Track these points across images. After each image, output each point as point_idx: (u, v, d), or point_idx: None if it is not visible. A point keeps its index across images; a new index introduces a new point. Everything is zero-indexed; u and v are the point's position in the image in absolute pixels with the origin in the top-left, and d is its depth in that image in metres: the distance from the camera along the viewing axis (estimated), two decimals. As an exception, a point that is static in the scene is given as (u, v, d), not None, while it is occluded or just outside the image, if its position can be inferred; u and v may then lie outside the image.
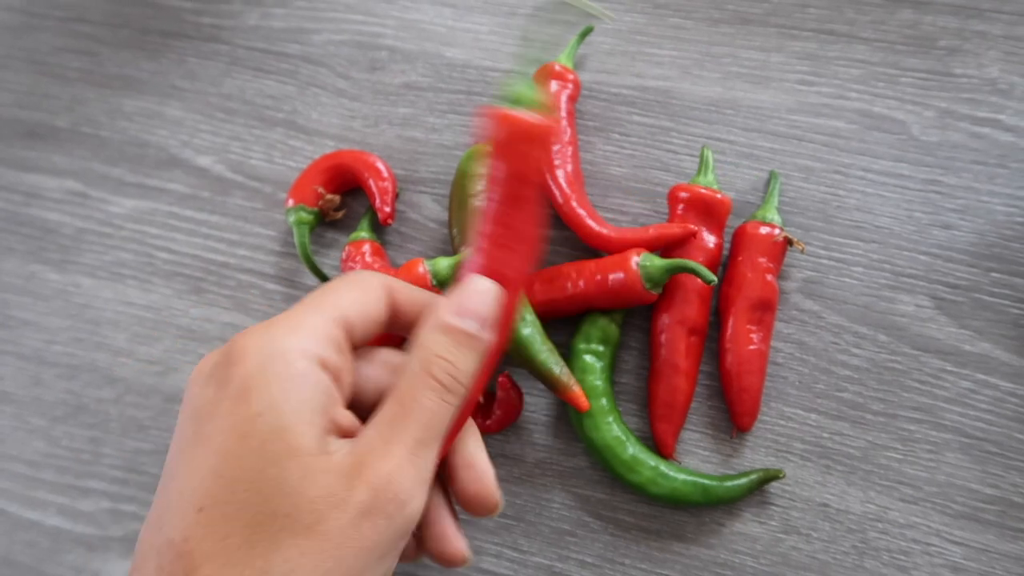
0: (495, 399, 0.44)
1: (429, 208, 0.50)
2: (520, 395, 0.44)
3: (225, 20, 0.56)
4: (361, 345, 0.31)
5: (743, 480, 0.42)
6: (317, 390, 0.27)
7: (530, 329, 0.41)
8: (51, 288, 0.52)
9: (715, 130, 0.49)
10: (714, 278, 0.40)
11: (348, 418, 0.28)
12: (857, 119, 0.48)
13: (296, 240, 0.48)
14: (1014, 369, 0.43)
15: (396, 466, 0.27)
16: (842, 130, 0.48)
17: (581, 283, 0.42)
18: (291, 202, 0.49)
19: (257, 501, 0.25)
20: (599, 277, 0.42)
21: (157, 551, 0.26)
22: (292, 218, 0.48)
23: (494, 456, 0.45)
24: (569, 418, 0.44)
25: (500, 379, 0.44)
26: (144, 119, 0.55)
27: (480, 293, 0.30)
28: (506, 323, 0.32)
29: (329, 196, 0.49)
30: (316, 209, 0.49)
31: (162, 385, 0.49)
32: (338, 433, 0.28)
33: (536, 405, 0.46)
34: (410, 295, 0.32)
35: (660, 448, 0.43)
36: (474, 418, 0.43)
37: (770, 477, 0.42)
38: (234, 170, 0.53)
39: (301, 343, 0.27)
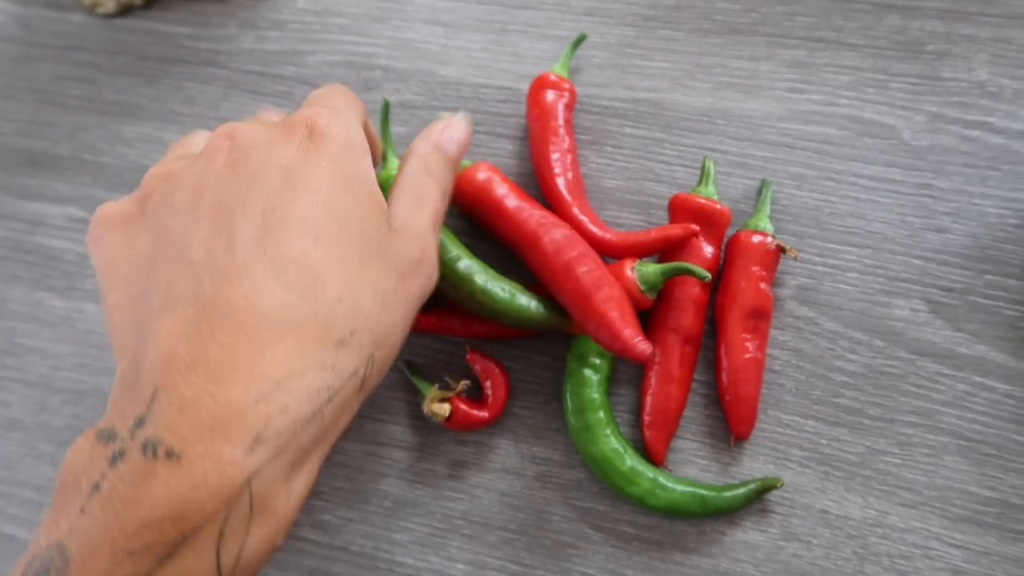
0: (479, 383, 0.45)
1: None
2: (496, 362, 0.46)
3: (221, 44, 0.57)
4: None
5: (741, 490, 0.42)
6: (374, 177, 0.35)
7: (467, 262, 0.43)
8: (56, 315, 0.53)
9: (707, 140, 0.49)
10: (708, 275, 0.41)
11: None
12: (848, 125, 0.48)
13: None
14: (1010, 371, 0.43)
15: (429, 241, 0.36)
16: (833, 137, 0.48)
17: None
18: None
19: (363, 238, 0.32)
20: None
21: (276, 272, 0.30)
22: None
23: (494, 470, 0.45)
24: (568, 431, 0.45)
25: (468, 356, 0.46)
26: (144, 144, 0.56)
27: (455, 123, 0.41)
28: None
29: None
30: None
31: (167, 407, 0.50)
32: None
33: (534, 419, 0.46)
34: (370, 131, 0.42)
35: (651, 456, 0.44)
36: (471, 410, 0.45)
37: (768, 487, 0.42)
38: (233, 193, 0.53)
39: (361, 136, 0.35)
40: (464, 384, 0.44)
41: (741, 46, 0.51)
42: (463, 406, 0.44)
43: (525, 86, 0.52)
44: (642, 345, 0.39)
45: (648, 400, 0.44)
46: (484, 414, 0.45)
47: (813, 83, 0.49)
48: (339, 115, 0.35)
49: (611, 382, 0.46)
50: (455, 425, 0.44)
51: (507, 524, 0.45)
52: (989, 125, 0.47)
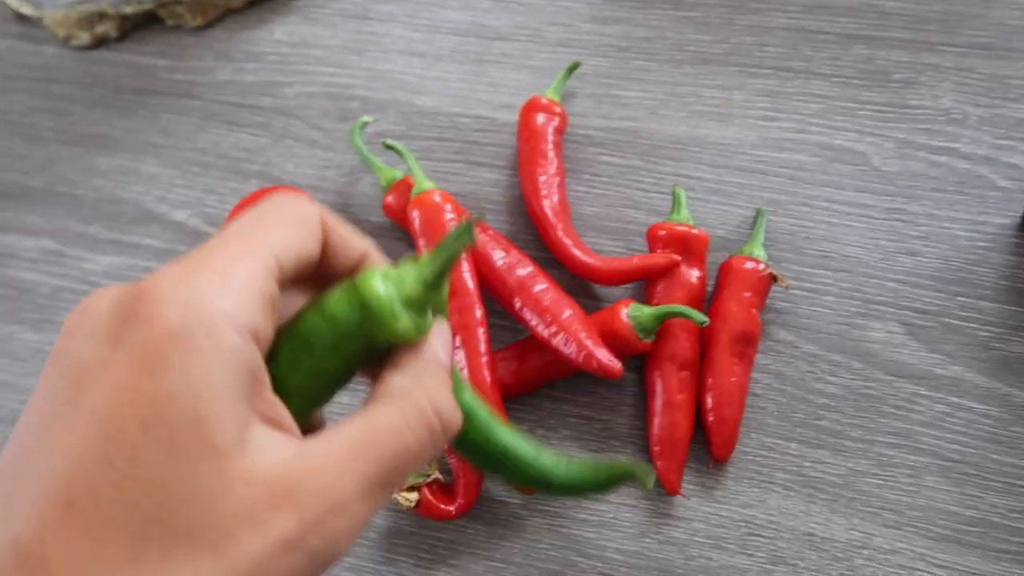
0: (453, 474, 0.43)
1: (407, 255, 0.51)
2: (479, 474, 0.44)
3: (198, 76, 0.57)
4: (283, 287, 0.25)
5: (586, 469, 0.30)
6: (245, 371, 0.21)
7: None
8: (28, 349, 0.52)
9: (683, 167, 0.50)
10: (706, 319, 0.41)
11: (275, 406, 0.23)
12: (819, 152, 0.49)
13: None
14: (986, 391, 0.44)
15: (342, 503, 0.21)
16: (805, 163, 0.49)
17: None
18: None
19: (151, 506, 0.19)
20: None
21: None
22: None
23: (482, 501, 0.45)
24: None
25: (446, 448, 0.43)
26: (119, 176, 0.55)
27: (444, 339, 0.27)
28: None
29: None
30: None
31: (142, 442, 0.49)
32: (264, 422, 0.22)
33: (519, 446, 0.46)
34: (344, 237, 0.27)
35: (665, 485, 0.43)
36: (439, 503, 0.43)
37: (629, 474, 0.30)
38: (210, 223, 0.53)
39: (231, 306, 0.21)
40: (436, 476, 0.43)
41: (714, 76, 0.52)
42: (431, 497, 0.43)
43: (502, 115, 0.53)
44: (615, 364, 0.40)
45: (654, 430, 0.44)
46: (451, 509, 0.43)
47: (784, 111, 0.51)
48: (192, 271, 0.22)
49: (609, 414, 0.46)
50: (423, 514, 0.43)
51: (493, 553, 0.44)
52: (955, 151, 0.49)
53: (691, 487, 0.44)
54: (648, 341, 0.43)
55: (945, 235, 0.47)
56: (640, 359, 0.46)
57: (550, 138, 0.48)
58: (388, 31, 0.56)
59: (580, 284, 0.48)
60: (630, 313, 0.42)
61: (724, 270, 0.46)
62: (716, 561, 0.43)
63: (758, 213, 0.48)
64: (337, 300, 0.24)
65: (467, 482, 0.43)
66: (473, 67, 0.54)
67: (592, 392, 0.46)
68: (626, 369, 0.46)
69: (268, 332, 0.23)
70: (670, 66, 0.52)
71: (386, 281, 0.24)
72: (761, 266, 0.45)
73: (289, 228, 0.24)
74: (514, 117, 0.52)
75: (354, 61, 0.56)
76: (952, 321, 0.46)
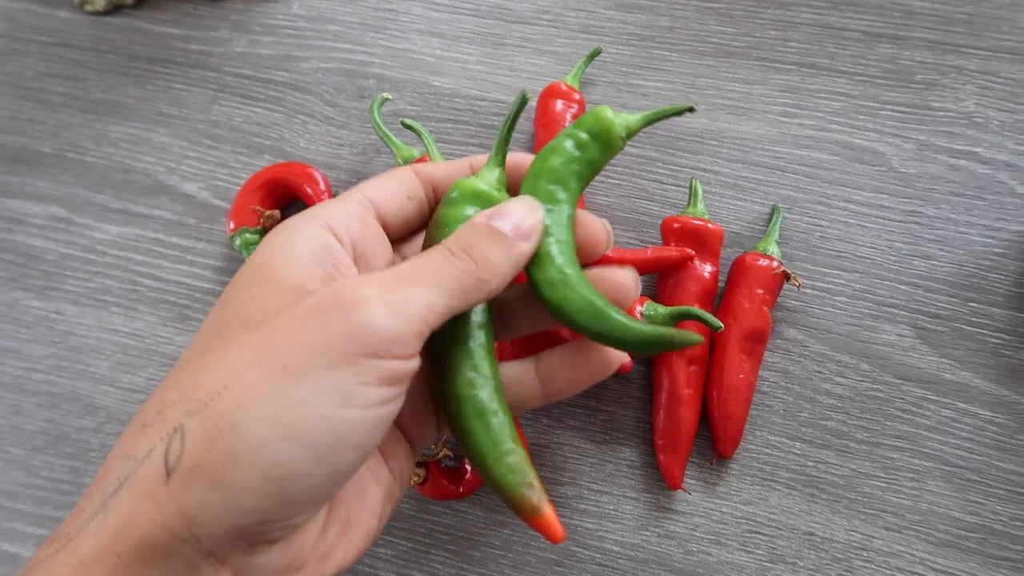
0: (461, 457, 0.44)
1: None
2: None
3: (213, 47, 0.57)
4: (401, 233, 0.32)
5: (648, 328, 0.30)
6: (314, 244, 0.27)
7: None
8: (33, 315, 0.51)
9: (700, 161, 0.50)
10: (721, 325, 0.40)
11: (350, 271, 0.29)
12: (839, 151, 0.49)
13: None
14: (994, 398, 0.44)
15: (368, 282, 0.25)
16: (824, 161, 0.49)
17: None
18: (232, 226, 0.49)
19: (227, 316, 0.26)
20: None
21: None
22: (238, 242, 0.49)
23: (483, 487, 0.45)
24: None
25: None
26: (130, 145, 0.55)
27: (519, 202, 0.29)
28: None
29: (269, 212, 0.49)
30: (260, 228, 0.49)
31: (145, 414, 0.49)
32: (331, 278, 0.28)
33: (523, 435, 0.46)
34: (446, 171, 0.33)
35: (667, 479, 0.43)
36: (446, 482, 0.43)
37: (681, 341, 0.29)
38: (220, 197, 0.53)
39: (314, 214, 0.29)
40: (445, 453, 0.43)
41: (735, 69, 0.51)
42: (439, 475, 0.43)
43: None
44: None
45: (659, 424, 0.44)
46: (459, 489, 0.43)
47: (805, 108, 0.50)
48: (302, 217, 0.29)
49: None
50: (428, 492, 0.43)
51: (492, 540, 0.44)
52: (975, 155, 0.48)
53: (693, 482, 0.44)
54: None
55: (961, 239, 0.47)
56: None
57: (567, 125, 0.48)
58: (408, 9, 0.56)
59: (591, 274, 0.47)
60: (644, 311, 0.42)
61: (737, 266, 0.45)
62: (715, 557, 0.43)
63: (774, 210, 0.47)
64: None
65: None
66: (492, 50, 0.54)
67: (598, 384, 0.46)
68: (634, 363, 0.46)
69: (354, 230, 0.29)
70: (691, 57, 0.52)
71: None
72: (775, 264, 0.44)
73: (385, 182, 0.31)
74: (532, 102, 0.51)
75: (372, 38, 0.55)
76: (963, 326, 0.45)
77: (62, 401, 0.49)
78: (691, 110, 0.31)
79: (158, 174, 0.54)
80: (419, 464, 0.43)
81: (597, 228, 0.32)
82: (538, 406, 0.34)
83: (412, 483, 0.43)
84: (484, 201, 0.31)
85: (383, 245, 0.31)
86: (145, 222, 0.53)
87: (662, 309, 0.42)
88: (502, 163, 0.33)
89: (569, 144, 0.32)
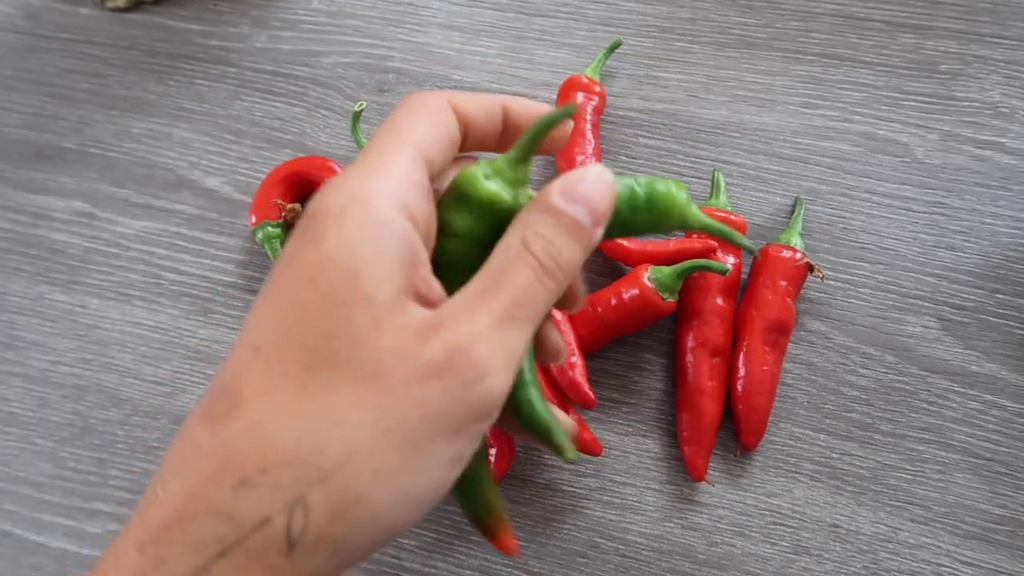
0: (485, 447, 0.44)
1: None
2: (508, 435, 0.44)
3: (233, 42, 0.57)
4: (437, 177, 0.28)
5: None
6: (400, 241, 0.24)
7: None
8: (58, 309, 0.52)
9: (721, 152, 0.49)
10: (727, 268, 0.41)
11: (431, 285, 0.25)
12: (862, 142, 0.49)
13: (271, 256, 0.48)
14: (1021, 390, 0.44)
15: (478, 332, 0.23)
16: (847, 153, 0.48)
17: (599, 309, 0.43)
18: (254, 220, 0.49)
19: (318, 344, 0.23)
20: (615, 300, 0.42)
21: (208, 395, 0.24)
22: (260, 235, 0.49)
23: (507, 479, 0.45)
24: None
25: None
26: (152, 140, 0.55)
27: (595, 181, 0.26)
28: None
29: (290, 206, 0.49)
30: (281, 221, 0.49)
31: (169, 406, 0.49)
32: (417, 299, 0.24)
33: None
34: (523, 107, 0.30)
35: (691, 471, 0.43)
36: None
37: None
38: (242, 191, 0.53)
39: (386, 186, 0.24)
40: None
41: (757, 60, 0.51)
42: None
43: (540, 93, 0.52)
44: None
45: (683, 416, 0.44)
46: None
47: (827, 99, 0.50)
48: (356, 169, 0.25)
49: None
50: None
51: (516, 531, 0.44)
52: (1001, 145, 0.48)
53: (717, 474, 0.44)
54: (672, 301, 0.42)
55: (987, 231, 0.46)
56: (668, 344, 0.46)
57: (588, 118, 0.48)
58: (427, 3, 0.56)
59: (614, 266, 0.47)
60: (650, 276, 0.42)
61: (760, 256, 0.45)
62: (739, 548, 0.43)
63: (796, 202, 0.47)
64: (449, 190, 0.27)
65: (499, 453, 0.43)
66: (512, 43, 0.54)
67: (621, 375, 0.46)
68: (657, 354, 0.46)
69: (425, 216, 0.26)
70: (713, 49, 0.52)
71: (478, 164, 0.27)
72: (798, 255, 0.44)
73: (427, 122, 0.27)
74: (552, 95, 0.51)
75: (391, 33, 0.55)
76: (989, 318, 0.45)
77: (88, 394, 0.50)
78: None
79: (180, 169, 0.54)
80: None
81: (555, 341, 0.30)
82: None
83: None
84: (497, 215, 0.27)
85: (433, 212, 0.27)
86: (167, 216, 0.53)
87: (666, 269, 0.42)
88: (526, 160, 0.27)
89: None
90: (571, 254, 0.26)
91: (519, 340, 0.24)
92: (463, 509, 0.31)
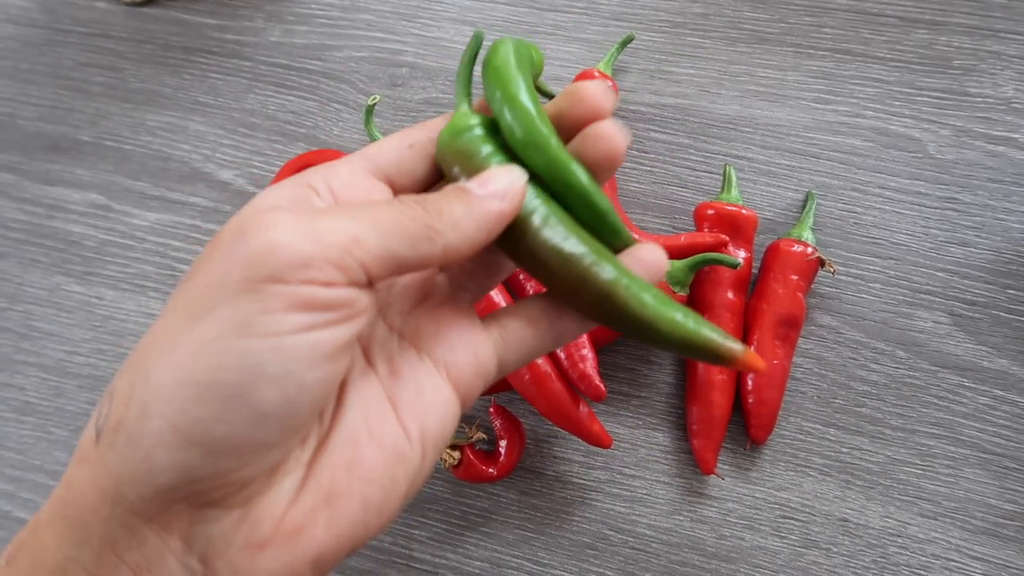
0: (496, 439, 0.44)
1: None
2: (517, 423, 0.44)
3: (247, 36, 0.57)
4: (412, 188, 0.27)
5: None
6: (291, 194, 0.25)
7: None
8: (74, 300, 0.52)
9: (733, 147, 0.50)
10: (739, 262, 0.41)
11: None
12: (874, 137, 0.49)
13: None
14: (1032, 385, 0.44)
15: (279, 209, 0.24)
16: (859, 148, 0.48)
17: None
18: None
19: (205, 292, 0.22)
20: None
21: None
22: None
23: (517, 471, 0.45)
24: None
25: (492, 408, 0.44)
26: (167, 133, 0.56)
27: (498, 168, 0.26)
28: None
29: None
30: None
31: (183, 397, 0.49)
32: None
33: (556, 419, 0.46)
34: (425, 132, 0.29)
35: (700, 464, 0.43)
36: (480, 464, 0.43)
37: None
38: (256, 184, 0.53)
39: (306, 190, 0.26)
40: (479, 436, 0.44)
41: (769, 55, 0.51)
42: (473, 457, 0.43)
43: (552, 87, 0.52)
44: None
45: (693, 409, 0.44)
46: (492, 471, 0.44)
47: (840, 94, 0.50)
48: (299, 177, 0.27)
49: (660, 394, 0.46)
50: (462, 475, 0.44)
51: (526, 523, 0.45)
52: (1014, 141, 0.47)
53: (726, 467, 0.44)
54: (683, 294, 0.43)
55: (999, 226, 0.46)
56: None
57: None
58: (439, -2, 0.56)
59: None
60: None
61: (771, 252, 0.45)
62: (748, 542, 0.43)
63: (808, 196, 0.47)
64: None
65: (510, 445, 0.43)
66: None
67: (631, 369, 0.46)
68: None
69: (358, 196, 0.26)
70: (725, 43, 0.52)
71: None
72: (809, 250, 0.44)
73: (383, 141, 0.28)
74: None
75: (404, 27, 0.56)
76: (1000, 314, 0.45)
77: (103, 383, 0.50)
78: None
79: (195, 162, 0.55)
80: (453, 447, 0.43)
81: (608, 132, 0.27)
82: (487, 388, 0.29)
83: (446, 465, 0.43)
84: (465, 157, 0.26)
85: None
86: (182, 209, 0.53)
87: (677, 263, 0.42)
88: (468, 99, 0.29)
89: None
90: (447, 205, 0.24)
91: (340, 227, 0.22)
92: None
